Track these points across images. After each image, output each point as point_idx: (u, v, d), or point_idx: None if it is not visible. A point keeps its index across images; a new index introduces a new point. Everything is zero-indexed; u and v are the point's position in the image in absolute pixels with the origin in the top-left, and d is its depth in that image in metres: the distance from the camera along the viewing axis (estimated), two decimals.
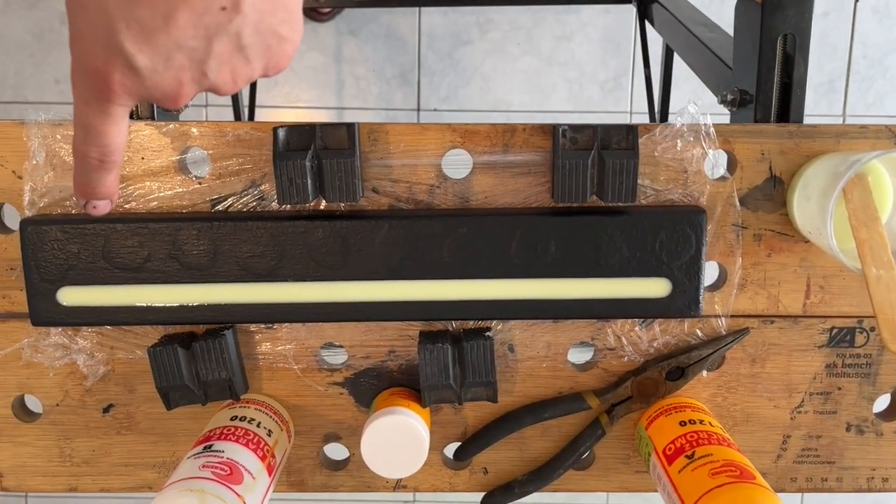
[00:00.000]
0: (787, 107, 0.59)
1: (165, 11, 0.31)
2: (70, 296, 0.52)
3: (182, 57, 0.33)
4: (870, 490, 0.58)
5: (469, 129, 0.52)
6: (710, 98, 0.68)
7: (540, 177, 0.53)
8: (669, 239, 0.51)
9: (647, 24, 1.07)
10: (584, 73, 1.45)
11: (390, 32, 1.43)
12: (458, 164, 0.54)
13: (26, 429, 0.57)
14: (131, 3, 0.31)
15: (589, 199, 0.51)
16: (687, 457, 0.48)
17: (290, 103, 1.45)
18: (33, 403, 0.58)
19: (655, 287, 0.52)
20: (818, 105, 1.45)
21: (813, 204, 0.49)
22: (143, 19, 0.31)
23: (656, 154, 0.52)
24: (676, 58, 1.01)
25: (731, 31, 0.68)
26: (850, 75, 1.44)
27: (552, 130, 0.51)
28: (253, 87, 1.03)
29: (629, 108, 1.46)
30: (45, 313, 0.52)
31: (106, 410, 0.57)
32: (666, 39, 0.96)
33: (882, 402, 0.58)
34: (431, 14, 1.43)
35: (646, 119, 1.16)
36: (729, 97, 0.63)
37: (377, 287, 0.52)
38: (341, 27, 1.43)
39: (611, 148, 0.50)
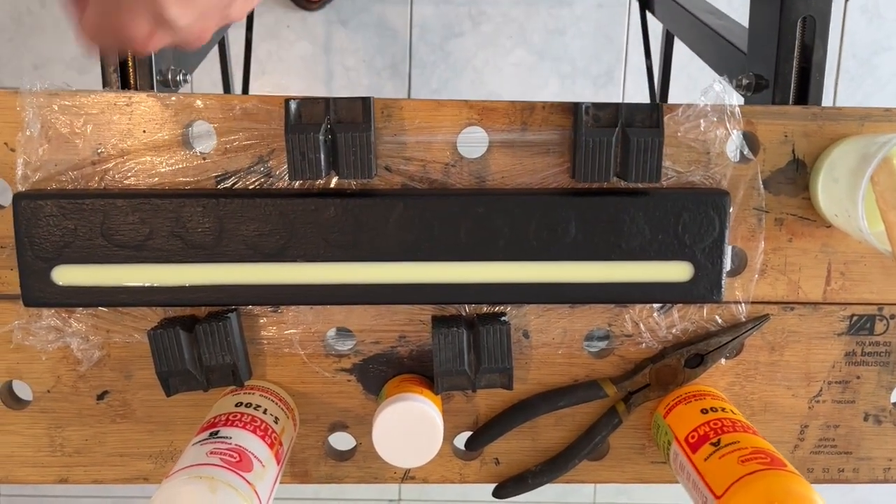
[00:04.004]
0: (806, 91, 0.58)
1: None
2: (65, 275, 0.49)
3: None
4: (886, 481, 0.57)
5: (486, 106, 0.50)
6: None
7: (558, 157, 0.51)
8: (693, 221, 0.50)
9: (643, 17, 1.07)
10: (577, 68, 1.43)
11: (381, 23, 1.41)
12: (473, 142, 0.52)
13: (14, 416, 0.54)
14: None
15: (611, 180, 0.49)
16: (713, 444, 0.47)
17: (279, 93, 1.41)
18: (23, 390, 0.55)
19: (677, 271, 0.50)
20: None
21: (841, 186, 0.48)
22: None
23: (679, 134, 0.51)
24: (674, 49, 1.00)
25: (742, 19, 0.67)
26: (839, 74, 1.45)
27: (573, 108, 0.50)
28: (247, 74, 1.00)
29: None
30: (38, 293, 0.49)
31: (100, 397, 0.54)
32: (670, 28, 0.95)
33: None
34: (423, 5, 1.41)
35: None
36: (744, 82, 0.62)
37: (390, 269, 0.50)
38: (331, 16, 1.40)
39: (635, 126, 0.49)
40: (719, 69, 0.72)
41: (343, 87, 1.42)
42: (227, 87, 1.01)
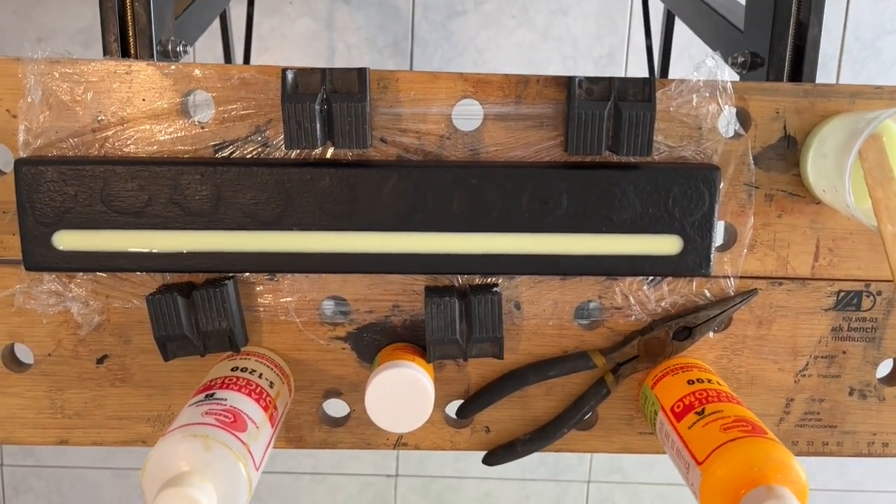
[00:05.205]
0: (800, 69, 0.59)
1: None
2: (66, 240, 0.50)
3: None
4: (870, 455, 0.58)
5: (481, 79, 0.51)
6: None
7: (552, 130, 0.52)
8: (683, 195, 0.50)
9: None
10: (579, 49, 1.43)
11: (383, 0, 1.41)
12: (468, 114, 0.53)
13: (16, 379, 0.55)
14: None
15: (603, 153, 0.50)
16: (697, 413, 0.48)
17: None
18: (24, 353, 0.56)
19: (667, 244, 0.51)
20: None
21: (829, 162, 0.49)
22: None
23: (671, 109, 0.51)
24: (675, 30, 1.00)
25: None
26: (842, 56, 1.44)
27: (567, 82, 0.50)
28: (248, 49, 1.01)
29: None
30: (39, 258, 0.50)
31: (100, 361, 0.55)
32: (670, 7, 0.95)
33: (885, 367, 0.58)
34: None
35: None
36: (740, 59, 0.62)
37: (384, 238, 0.51)
38: None
39: (627, 100, 0.49)
40: (717, 47, 0.72)
41: (344, 65, 1.42)
42: (228, 62, 1.01)
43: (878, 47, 1.44)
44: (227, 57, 1.01)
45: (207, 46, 1.32)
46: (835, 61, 1.44)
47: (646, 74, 1.14)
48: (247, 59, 0.98)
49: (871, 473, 1.63)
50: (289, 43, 1.42)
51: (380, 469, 1.62)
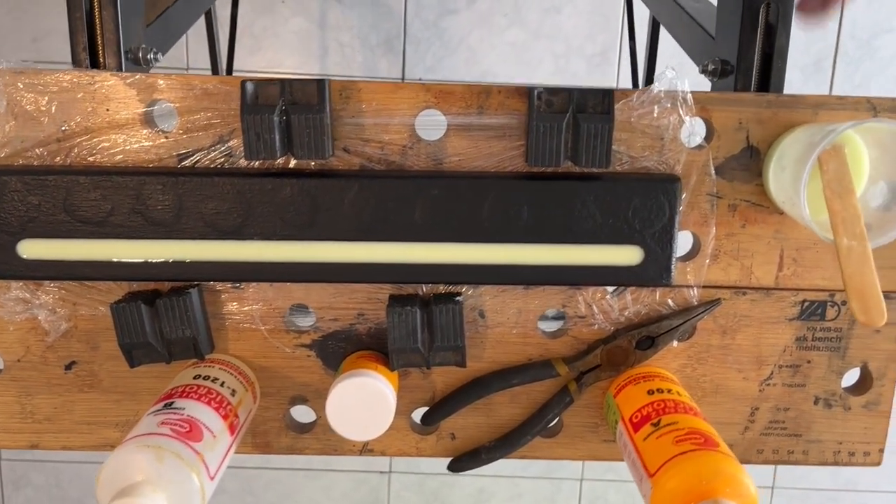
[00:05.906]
0: (768, 77, 0.58)
1: None
2: (30, 249, 0.51)
3: None
4: (836, 463, 0.58)
5: (444, 90, 0.51)
6: (695, 73, 0.67)
7: (514, 140, 0.52)
8: (643, 206, 0.50)
9: None
10: (572, 47, 1.43)
11: None
12: (431, 124, 0.53)
13: None
14: None
15: (563, 164, 0.50)
16: (653, 424, 0.48)
17: (272, 69, 1.42)
18: None
19: (627, 255, 0.51)
20: (805, 86, 1.44)
21: (788, 174, 0.49)
22: None
23: (633, 120, 0.51)
24: (662, 33, 1.00)
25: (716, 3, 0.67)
26: (837, 56, 1.43)
27: (527, 93, 0.50)
28: (231, 50, 1.01)
29: (615, 83, 1.45)
30: (4, 266, 0.51)
31: (68, 367, 0.56)
32: (652, 11, 0.94)
33: (851, 377, 0.58)
34: None
35: None
36: (710, 67, 0.62)
37: (346, 248, 0.51)
38: None
39: (586, 112, 0.49)
40: (692, 53, 0.72)
41: (337, 64, 1.42)
42: (214, 63, 1.02)
43: (874, 46, 1.43)
44: (213, 58, 1.01)
45: (203, 47, 1.32)
46: (829, 61, 1.43)
47: (639, 73, 1.14)
48: (230, 62, 0.98)
49: (865, 473, 1.62)
50: (281, 42, 1.42)
51: (373, 466, 1.63)
